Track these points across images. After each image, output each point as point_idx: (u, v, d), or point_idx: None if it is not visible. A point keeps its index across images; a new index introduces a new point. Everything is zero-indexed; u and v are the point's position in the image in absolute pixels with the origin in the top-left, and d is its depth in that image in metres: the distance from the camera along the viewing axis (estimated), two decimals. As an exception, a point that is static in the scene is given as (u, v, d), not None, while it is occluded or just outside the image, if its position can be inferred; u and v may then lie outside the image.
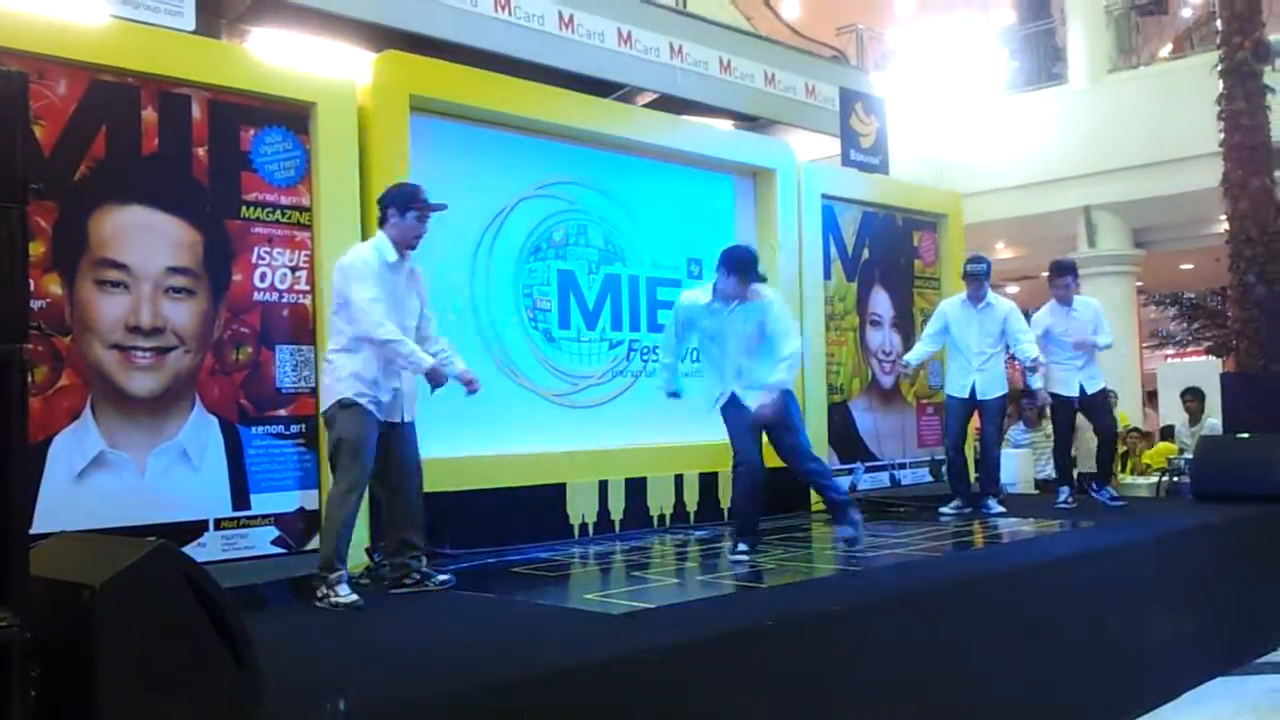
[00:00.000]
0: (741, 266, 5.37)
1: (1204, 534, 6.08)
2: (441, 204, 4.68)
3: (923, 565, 5.17)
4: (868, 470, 8.11)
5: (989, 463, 7.12)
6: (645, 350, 6.91)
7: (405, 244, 4.59)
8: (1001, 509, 6.97)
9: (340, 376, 4.44)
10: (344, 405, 4.41)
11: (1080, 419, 7.45)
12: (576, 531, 6.27)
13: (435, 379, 4.55)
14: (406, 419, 4.62)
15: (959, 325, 7.06)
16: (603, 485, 6.42)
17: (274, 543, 5.07)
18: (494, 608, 4.30)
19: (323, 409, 4.58)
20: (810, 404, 7.58)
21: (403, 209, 4.56)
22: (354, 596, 4.27)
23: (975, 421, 7.28)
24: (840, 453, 7.94)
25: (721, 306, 5.45)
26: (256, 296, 5.10)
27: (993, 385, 6.98)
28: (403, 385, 4.56)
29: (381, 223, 4.61)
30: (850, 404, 8.14)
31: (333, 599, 4.23)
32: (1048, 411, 8.32)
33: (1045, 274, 7.20)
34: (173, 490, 4.76)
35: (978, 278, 6.97)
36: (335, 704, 2.62)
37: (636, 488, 6.57)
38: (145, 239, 4.74)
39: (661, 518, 6.68)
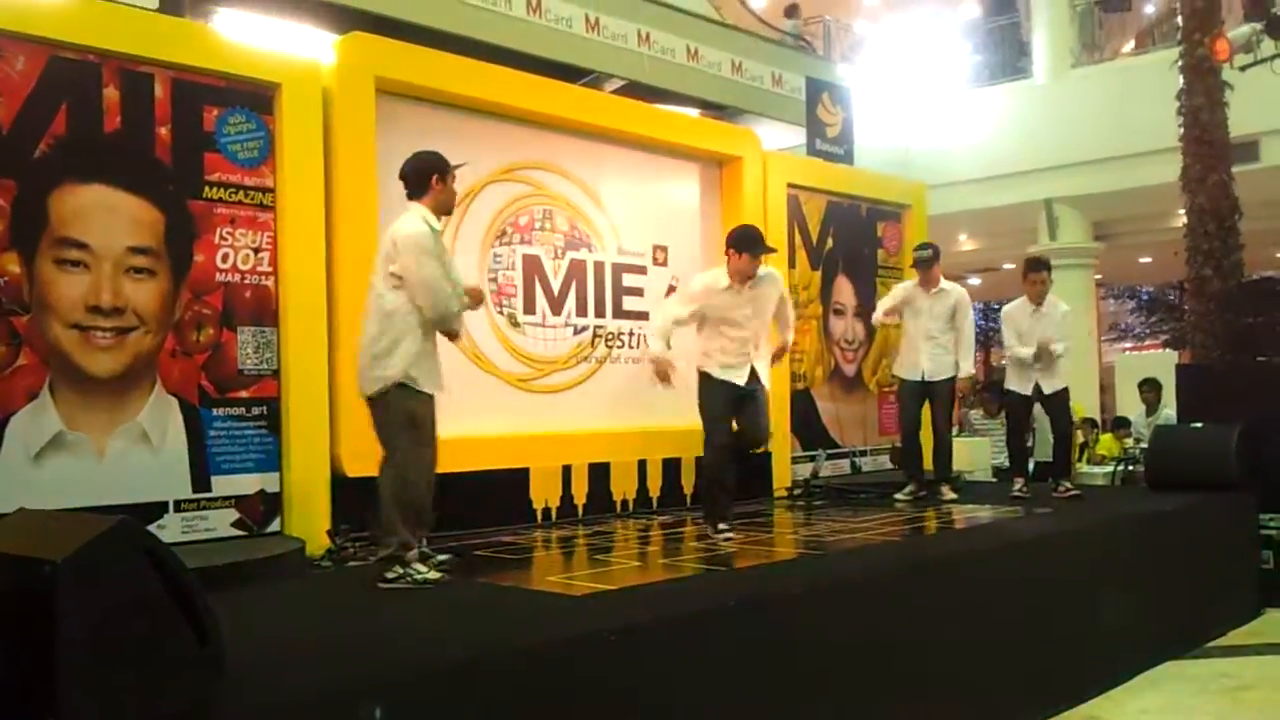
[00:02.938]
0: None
1: (1156, 521, 6.18)
2: (463, 162, 4.71)
3: (882, 550, 5.23)
4: (830, 457, 8.18)
5: (946, 448, 7.21)
6: (610, 336, 6.93)
7: (446, 210, 4.58)
8: (954, 495, 7.09)
9: (395, 354, 4.30)
10: (402, 385, 4.31)
11: (1038, 408, 7.52)
12: (539, 516, 6.28)
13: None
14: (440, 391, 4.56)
15: (913, 309, 7.16)
16: (566, 470, 6.43)
17: (234, 525, 5.05)
18: (455, 589, 4.30)
19: (371, 389, 4.37)
20: (773, 392, 7.64)
21: (444, 174, 4.52)
22: (438, 573, 4.28)
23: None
24: (802, 440, 8.01)
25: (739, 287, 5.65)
26: (219, 277, 5.07)
27: (942, 369, 7.02)
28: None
29: (415, 195, 4.49)
30: (813, 392, 8.20)
31: (415, 576, 4.20)
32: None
33: (1007, 266, 7.25)
34: (132, 472, 4.74)
35: (927, 263, 7.06)
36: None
37: (600, 473, 6.59)
38: (106, 218, 4.70)
39: (624, 503, 6.71)
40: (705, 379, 5.63)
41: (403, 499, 4.29)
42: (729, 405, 5.59)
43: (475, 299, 4.72)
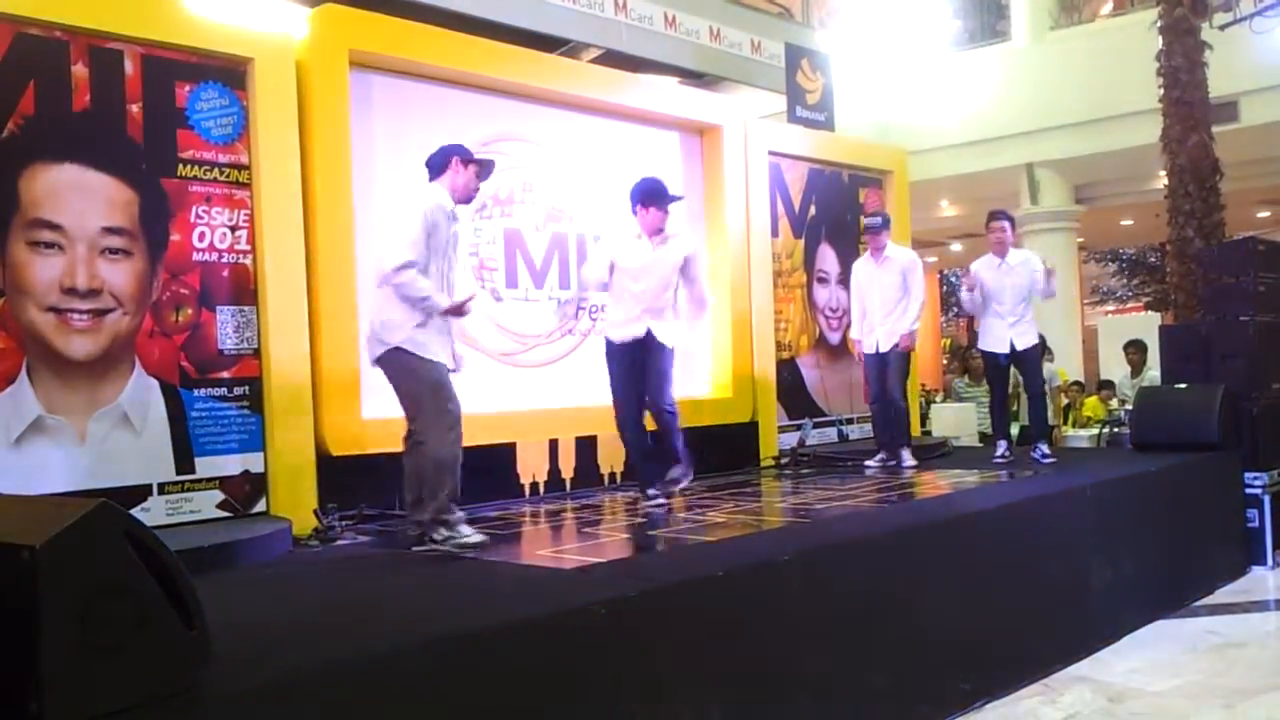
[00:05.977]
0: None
1: (1142, 481, 6.20)
2: (490, 160, 4.75)
3: (869, 515, 5.23)
4: (815, 426, 8.18)
5: (899, 416, 7.19)
6: (594, 309, 6.88)
7: (464, 198, 4.63)
8: (913, 461, 7.09)
9: (399, 321, 4.38)
10: (401, 350, 4.37)
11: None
12: (527, 490, 6.27)
13: (458, 314, 4.57)
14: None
15: (860, 281, 7.14)
16: (553, 444, 6.41)
17: (219, 506, 5.02)
18: (443, 563, 4.28)
19: (374, 354, 4.47)
20: (759, 360, 7.64)
21: (465, 161, 4.60)
22: (481, 536, 4.33)
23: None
24: (788, 409, 8.01)
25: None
26: (196, 256, 5.01)
27: (893, 337, 7.00)
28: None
29: (435, 174, 4.59)
30: (798, 360, 8.19)
31: (458, 540, 4.27)
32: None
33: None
34: (114, 455, 4.69)
35: (875, 231, 7.03)
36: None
37: (586, 446, 6.57)
38: (79, 198, 4.63)
39: (612, 476, 6.69)
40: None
41: (446, 461, 4.35)
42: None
43: (458, 310, 4.55)
